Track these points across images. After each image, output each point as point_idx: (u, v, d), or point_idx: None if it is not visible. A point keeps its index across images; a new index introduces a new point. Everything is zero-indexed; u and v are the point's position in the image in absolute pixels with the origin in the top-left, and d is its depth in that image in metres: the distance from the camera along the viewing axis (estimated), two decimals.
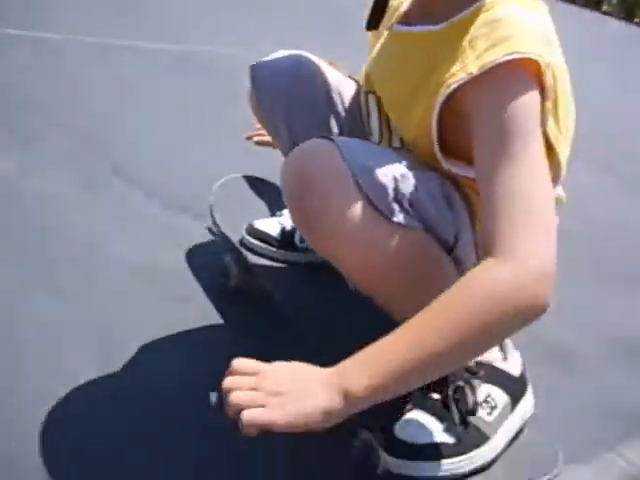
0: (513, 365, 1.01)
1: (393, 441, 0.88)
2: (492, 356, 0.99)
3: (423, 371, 0.74)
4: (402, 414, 0.92)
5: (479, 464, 0.90)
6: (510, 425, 0.97)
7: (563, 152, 0.87)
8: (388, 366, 0.71)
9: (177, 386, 0.99)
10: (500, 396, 0.96)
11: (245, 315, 1.24)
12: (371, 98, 1.03)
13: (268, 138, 1.27)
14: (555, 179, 0.87)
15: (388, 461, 0.87)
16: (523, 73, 0.78)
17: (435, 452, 0.88)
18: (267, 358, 0.77)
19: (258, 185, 1.44)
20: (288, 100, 1.10)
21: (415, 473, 0.87)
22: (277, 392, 0.71)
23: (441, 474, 0.87)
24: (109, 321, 1.11)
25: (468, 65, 0.80)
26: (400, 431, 0.89)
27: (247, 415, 0.68)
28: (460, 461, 0.88)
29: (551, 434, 1.01)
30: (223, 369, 0.75)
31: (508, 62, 0.77)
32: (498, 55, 0.77)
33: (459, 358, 0.77)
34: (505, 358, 1.01)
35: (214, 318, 1.19)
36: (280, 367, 0.75)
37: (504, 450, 0.95)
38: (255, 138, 1.34)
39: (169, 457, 0.88)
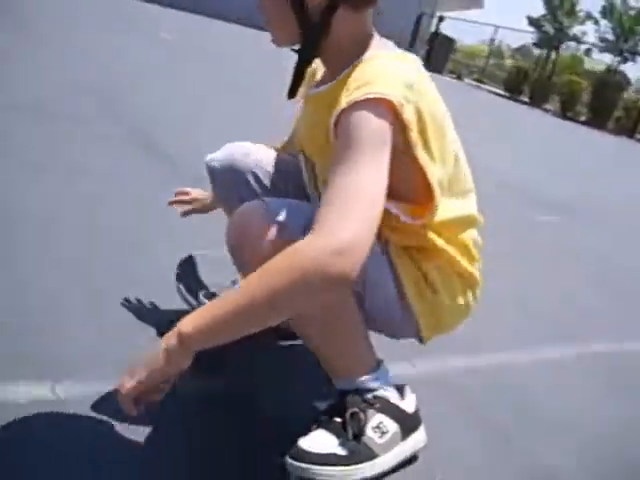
0: (408, 403, 1.22)
1: (298, 450, 1.09)
2: (389, 394, 1.20)
3: (241, 320, 0.94)
4: (309, 432, 1.14)
5: (367, 475, 1.10)
6: (400, 450, 1.17)
7: (435, 175, 1.07)
8: (212, 314, 0.95)
9: None
10: (391, 425, 1.16)
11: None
12: (300, 156, 1.30)
13: (188, 206, 1.59)
14: (428, 196, 1.08)
15: (294, 466, 1.08)
16: (376, 107, 0.99)
17: (329, 460, 1.08)
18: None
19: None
20: (238, 185, 1.38)
21: (313, 476, 1.07)
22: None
23: (334, 478, 1.07)
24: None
25: (341, 102, 1.03)
26: (303, 443, 1.10)
27: (118, 397, 0.98)
28: (350, 470, 1.08)
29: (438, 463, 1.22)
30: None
31: (366, 99, 1.00)
32: (360, 94, 1.01)
33: (265, 314, 0.94)
34: (402, 397, 1.23)
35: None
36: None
37: (394, 469, 1.15)
38: (179, 209, 1.60)
39: None
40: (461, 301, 1.25)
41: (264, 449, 1.18)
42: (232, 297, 0.95)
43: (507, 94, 18.48)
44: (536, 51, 22.60)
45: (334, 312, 1.12)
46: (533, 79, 19.21)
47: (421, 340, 1.27)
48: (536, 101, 18.06)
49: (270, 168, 1.41)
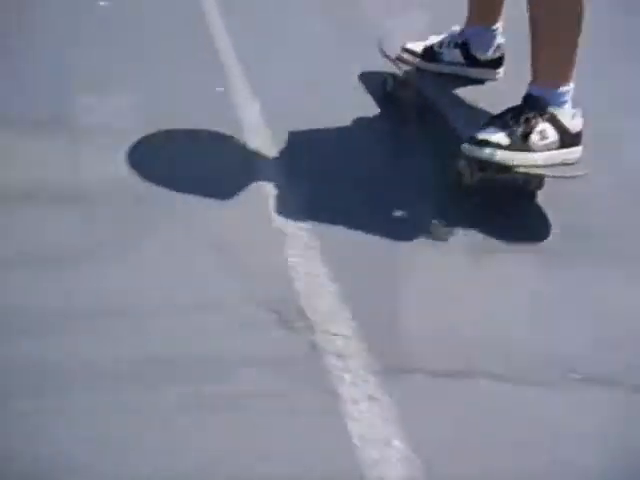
0: (574, 125, 1.53)
1: (472, 138, 1.49)
2: (562, 111, 1.51)
3: None
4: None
5: (520, 163, 1.48)
6: (553, 155, 1.51)
7: None
8: None
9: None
10: (552, 134, 1.50)
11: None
12: None
13: None
14: None
15: (467, 149, 1.50)
16: None
17: (494, 145, 1.47)
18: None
19: None
20: None
21: (480, 155, 1.48)
22: None
23: (492, 158, 1.47)
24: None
25: None
26: (478, 132, 1.50)
27: None
28: (506, 155, 1.47)
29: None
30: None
31: None
32: None
33: None
34: (572, 118, 1.53)
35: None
36: None
37: (542, 167, 1.51)
38: None
39: None
40: None
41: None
42: None
43: None
44: None
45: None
46: None
47: None
48: None
49: None
